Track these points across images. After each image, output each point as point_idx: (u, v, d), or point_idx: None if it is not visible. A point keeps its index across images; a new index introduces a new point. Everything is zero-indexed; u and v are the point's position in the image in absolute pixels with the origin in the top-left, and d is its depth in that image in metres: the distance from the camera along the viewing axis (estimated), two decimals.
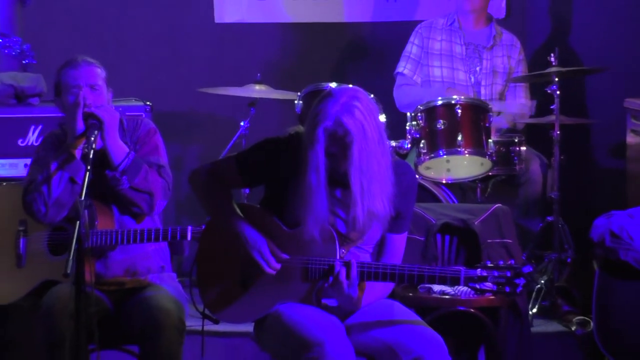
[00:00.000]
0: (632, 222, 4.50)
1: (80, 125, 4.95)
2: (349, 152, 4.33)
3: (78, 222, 4.52)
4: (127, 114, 5.22)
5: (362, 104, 4.36)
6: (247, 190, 5.78)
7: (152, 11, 7.49)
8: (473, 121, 6.45)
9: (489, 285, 4.36)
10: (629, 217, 4.52)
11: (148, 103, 5.73)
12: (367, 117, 4.34)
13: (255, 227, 4.57)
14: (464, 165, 6.50)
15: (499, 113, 6.75)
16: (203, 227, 4.79)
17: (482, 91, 6.95)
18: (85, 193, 4.63)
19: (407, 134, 6.51)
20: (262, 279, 4.53)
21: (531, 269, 4.42)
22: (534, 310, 6.33)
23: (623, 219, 4.51)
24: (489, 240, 5.89)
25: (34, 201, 5.02)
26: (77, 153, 4.93)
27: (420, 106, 6.50)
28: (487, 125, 6.46)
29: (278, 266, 4.50)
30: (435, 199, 6.41)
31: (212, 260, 4.68)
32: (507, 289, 4.33)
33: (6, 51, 6.62)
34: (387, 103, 6.79)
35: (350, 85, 6.27)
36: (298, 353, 4.35)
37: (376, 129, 4.37)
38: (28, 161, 5.41)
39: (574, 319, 6.32)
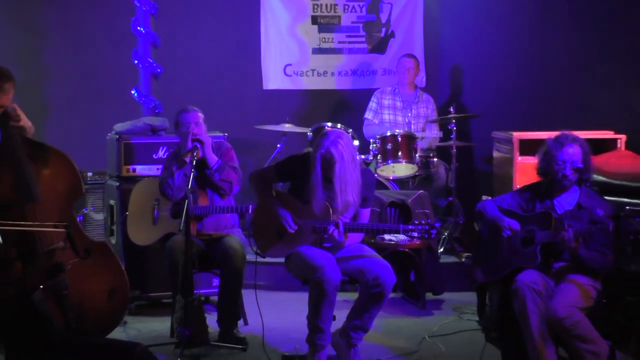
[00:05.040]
0: (492, 203, 4.50)
1: (189, 144, 4.95)
2: (334, 168, 4.37)
3: (186, 200, 4.59)
4: (214, 140, 5.20)
5: (343, 141, 4.40)
6: (281, 184, 5.80)
7: (227, 82, 7.48)
8: (407, 144, 6.41)
9: (416, 234, 4.41)
10: (493, 202, 4.52)
11: (226, 134, 5.73)
12: (345, 148, 4.39)
13: (284, 203, 4.57)
14: (402, 169, 6.46)
15: (422, 138, 6.77)
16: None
17: (412, 127, 6.89)
18: (192, 183, 4.70)
19: (370, 152, 6.51)
20: (289, 233, 4.54)
21: (439, 225, 4.45)
22: (441, 250, 6.32)
23: (489, 202, 4.52)
24: (416, 211, 5.92)
25: (166, 189, 5.03)
26: (187, 160, 4.91)
27: (378, 136, 6.49)
28: (415, 146, 6.44)
29: (296, 227, 4.51)
30: (386, 187, 6.40)
31: (261, 222, 4.67)
32: (426, 236, 4.38)
33: (146, 105, 6.63)
34: (359, 133, 6.79)
35: (339, 126, 6.35)
36: (309, 273, 4.39)
37: (351, 155, 4.42)
38: (159, 167, 5.39)
39: (463, 254, 6.35)
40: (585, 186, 4.34)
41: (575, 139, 4.32)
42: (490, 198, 4.62)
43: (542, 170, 4.38)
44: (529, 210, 4.38)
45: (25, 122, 4.31)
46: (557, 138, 4.35)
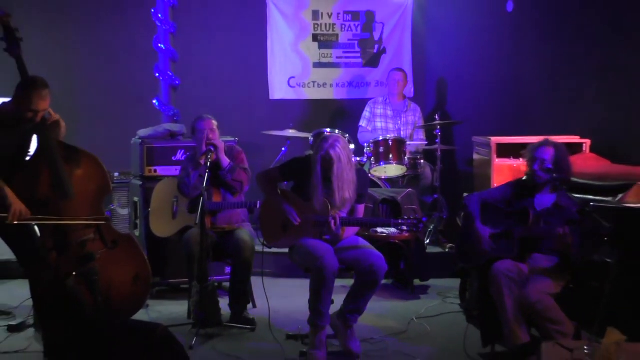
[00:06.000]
0: (476, 198, 4.50)
1: (204, 148, 4.97)
2: (332, 168, 4.37)
3: (202, 197, 4.61)
4: (226, 144, 5.20)
5: (340, 144, 4.39)
6: (285, 183, 5.83)
7: (238, 93, 7.50)
8: (397, 148, 6.41)
9: (405, 227, 4.40)
10: (479, 196, 4.52)
11: (236, 138, 5.74)
12: (342, 151, 4.38)
13: (288, 200, 4.58)
14: (393, 170, 6.45)
15: (411, 138, 6.76)
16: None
17: (402, 133, 6.89)
18: (206, 183, 4.70)
19: (365, 154, 6.50)
20: (293, 226, 4.54)
21: (426, 219, 4.45)
22: (427, 241, 6.31)
23: (475, 198, 4.52)
24: (405, 207, 5.92)
25: (183, 188, 5.04)
26: (202, 162, 4.93)
27: (371, 140, 6.48)
28: (404, 149, 6.44)
29: (300, 220, 4.52)
30: (378, 186, 6.39)
31: (268, 217, 4.67)
32: (415, 229, 4.36)
33: (166, 113, 6.64)
34: (355, 138, 6.78)
35: (336, 132, 6.36)
36: (311, 262, 4.38)
37: (347, 157, 4.40)
38: (177, 168, 5.40)
39: (447, 245, 6.37)
40: (556, 186, 4.36)
41: (553, 144, 4.35)
42: (477, 192, 4.62)
43: (527, 169, 4.42)
44: (512, 204, 4.38)
45: (60, 120, 4.34)
46: (539, 141, 4.39)
